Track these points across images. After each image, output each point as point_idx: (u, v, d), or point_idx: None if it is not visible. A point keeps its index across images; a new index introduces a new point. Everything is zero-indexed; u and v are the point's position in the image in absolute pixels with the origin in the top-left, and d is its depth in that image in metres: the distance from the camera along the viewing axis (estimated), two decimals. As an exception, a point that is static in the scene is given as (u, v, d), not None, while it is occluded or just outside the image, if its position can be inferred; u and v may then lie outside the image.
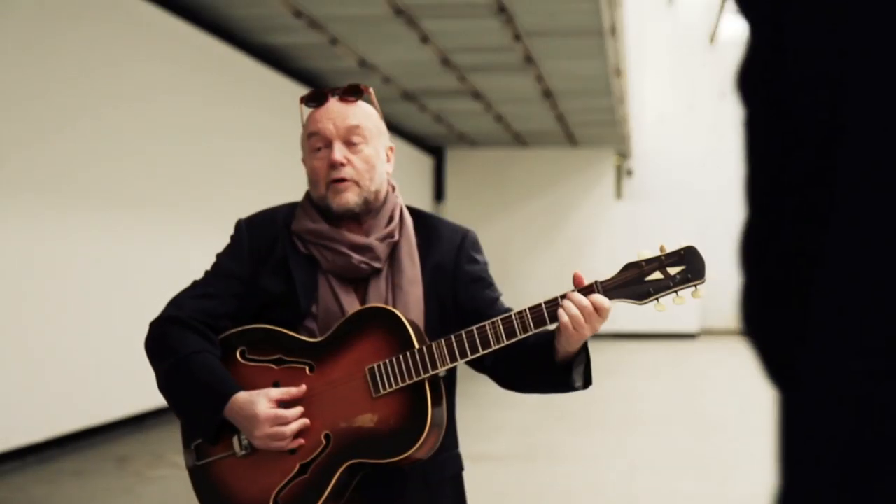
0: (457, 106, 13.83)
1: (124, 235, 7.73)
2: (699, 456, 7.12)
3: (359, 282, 2.04)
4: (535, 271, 18.21)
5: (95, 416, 7.44)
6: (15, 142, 6.51)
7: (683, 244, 1.95)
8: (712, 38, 20.16)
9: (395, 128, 15.60)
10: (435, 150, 18.31)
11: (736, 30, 20.04)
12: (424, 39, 9.85)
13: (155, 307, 8.03)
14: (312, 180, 2.05)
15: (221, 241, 8.04)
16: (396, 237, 2.05)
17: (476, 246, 2.14)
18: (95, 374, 7.35)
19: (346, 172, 2.00)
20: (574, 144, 18.11)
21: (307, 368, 1.97)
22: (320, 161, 2.02)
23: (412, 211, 2.14)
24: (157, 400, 9.22)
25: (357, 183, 2.00)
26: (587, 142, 17.85)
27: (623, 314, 17.81)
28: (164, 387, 2.02)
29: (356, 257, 2.01)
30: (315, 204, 2.06)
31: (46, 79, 6.78)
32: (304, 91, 11.55)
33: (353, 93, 2.07)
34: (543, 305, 1.94)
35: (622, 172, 19.98)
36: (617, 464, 6.82)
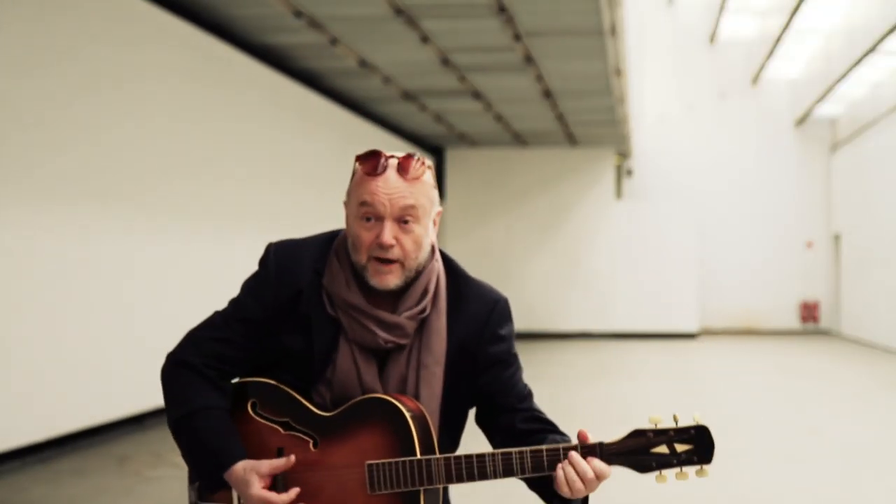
0: (457, 106, 13.83)
1: (124, 235, 7.73)
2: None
3: (381, 352, 2.02)
4: (535, 271, 18.22)
5: (95, 416, 7.44)
6: (24, 144, 6.52)
7: (698, 421, 1.93)
8: (712, 38, 20.15)
9: (395, 128, 15.60)
10: (435, 150, 18.31)
11: (736, 30, 20.04)
12: (424, 39, 9.85)
13: (154, 308, 7.96)
14: (355, 246, 1.97)
15: (220, 240, 8.05)
16: (427, 311, 2.02)
17: (502, 320, 2.08)
18: (95, 374, 7.35)
19: (394, 254, 1.94)
20: (574, 144, 18.11)
21: (311, 443, 1.98)
22: (368, 233, 1.95)
23: (447, 269, 2.09)
24: (157, 400, 9.20)
25: (402, 264, 1.96)
26: (587, 142, 17.85)
27: (623, 312, 17.69)
28: (174, 431, 2.04)
29: (383, 335, 1.98)
30: (351, 262, 2.00)
31: (45, 76, 6.78)
32: (303, 90, 11.57)
33: (413, 169, 1.96)
34: (545, 452, 1.93)
35: (622, 172, 19.97)
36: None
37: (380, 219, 1.94)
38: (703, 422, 1.92)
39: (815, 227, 20.04)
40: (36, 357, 6.73)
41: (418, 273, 2.01)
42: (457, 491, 2.18)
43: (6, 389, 6.44)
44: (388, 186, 1.94)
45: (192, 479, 2.08)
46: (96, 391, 7.40)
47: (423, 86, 12.36)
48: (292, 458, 1.96)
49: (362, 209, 1.95)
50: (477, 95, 12.94)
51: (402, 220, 1.95)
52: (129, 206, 7.81)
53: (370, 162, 1.97)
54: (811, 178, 20.08)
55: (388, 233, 1.93)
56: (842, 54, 15.85)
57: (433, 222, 2.03)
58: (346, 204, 2.02)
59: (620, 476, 2.03)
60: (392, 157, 1.98)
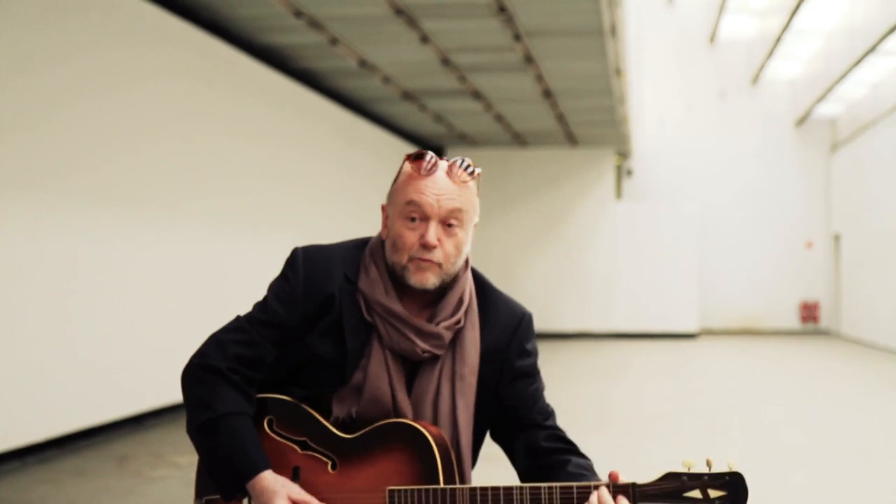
0: (457, 106, 13.83)
1: (125, 236, 7.73)
2: (701, 455, 7.12)
3: (409, 363, 2.00)
4: (535, 271, 18.22)
5: (95, 416, 7.44)
6: (24, 145, 6.52)
7: (732, 467, 1.90)
8: (712, 38, 20.16)
9: (395, 128, 15.60)
10: (435, 150, 18.26)
11: (736, 30, 20.04)
12: (424, 39, 9.85)
13: (155, 309, 7.94)
14: (397, 246, 1.95)
15: (222, 241, 8.06)
16: (462, 323, 2.01)
17: (529, 333, 2.10)
18: (95, 375, 7.35)
19: (436, 255, 1.94)
20: (574, 144, 18.11)
21: (330, 465, 1.94)
22: (412, 232, 1.94)
23: (475, 280, 2.09)
24: (157, 400, 9.19)
25: (440, 266, 1.95)
26: (587, 142, 17.85)
27: (623, 312, 17.63)
28: (196, 435, 1.99)
29: (421, 345, 1.97)
30: (387, 266, 1.99)
31: (45, 76, 6.78)
32: (303, 90, 11.56)
33: (463, 173, 1.96)
34: (575, 490, 1.88)
35: (622, 172, 19.97)
36: (619, 463, 6.80)
37: (425, 219, 1.94)
38: (737, 468, 1.89)
39: (815, 227, 20.04)
40: (36, 357, 6.73)
41: (453, 280, 2.00)
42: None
43: (7, 389, 6.44)
44: (437, 187, 1.94)
45: (198, 494, 2.03)
46: (96, 391, 7.39)
47: (423, 86, 12.36)
48: None
49: (408, 208, 1.95)
50: (477, 95, 12.94)
51: (446, 223, 1.95)
52: (129, 208, 7.81)
53: (421, 162, 1.96)
54: (811, 178, 20.08)
55: (433, 233, 1.93)
56: (842, 54, 15.85)
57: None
58: (388, 205, 2.01)
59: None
60: (443, 159, 1.99)
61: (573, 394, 10.22)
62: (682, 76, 20.29)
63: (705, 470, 1.89)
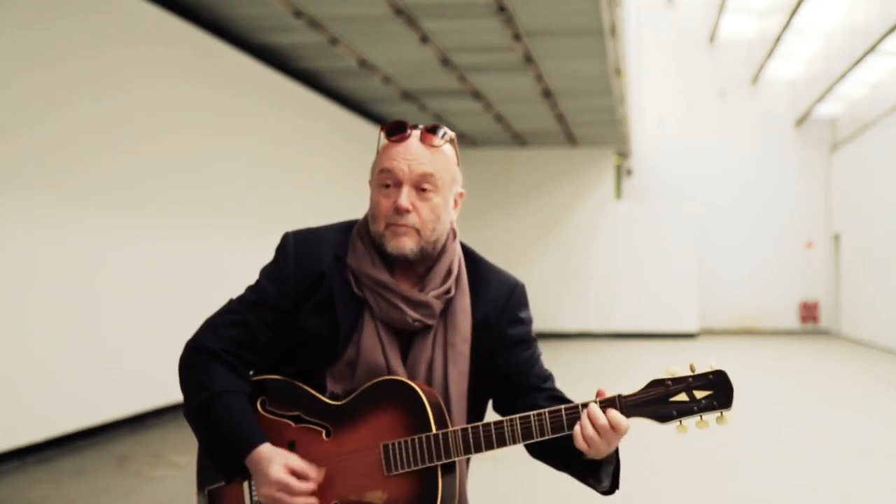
0: (457, 106, 13.83)
1: (125, 236, 7.73)
2: (701, 455, 7.12)
3: (404, 335, 2.01)
4: (535, 271, 18.22)
5: (95, 416, 7.44)
6: (25, 145, 6.52)
7: (714, 367, 1.90)
8: (712, 38, 20.16)
9: (395, 128, 15.59)
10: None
11: (736, 30, 20.04)
12: (424, 39, 9.85)
13: (155, 308, 7.95)
14: (374, 214, 1.98)
15: (222, 241, 8.07)
16: (453, 292, 2.02)
17: (521, 303, 2.10)
18: (96, 374, 7.35)
19: (409, 220, 1.94)
20: (574, 144, 18.11)
21: (324, 432, 1.96)
22: (386, 199, 1.96)
23: (465, 253, 2.10)
24: (157, 400, 9.19)
25: (418, 231, 1.95)
26: (587, 142, 17.85)
27: (623, 312, 17.58)
28: (192, 417, 1.99)
29: (411, 314, 1.97)
30: (371, 239, 2.01)
31: (45, 76, 6.78)
32: (303, 90, 11.56)
33: (435, 138, 1.97)
34: (563, 411, 1.91)
35: (622, 172, 19.98)
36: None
37: (398, 185, 1.95)
38: (719, 367, 1.90)
39: (815, 227, 20.04)
40: (37, 357, 6.73)
41: (437, 250, 2.01)
42: (478, 487, 2.17)
43: (7, 389, 6.45)
44: (409, 153, 1.95)
45: (200, 486, 2.03)
46: (96, 391, 7.40)
47: (423, 86, 12.36)
48: (323, 470, 1.92)
49: (382, 176, 1.97)
50: (477, 95, 12.94)
51: (420, 188, 1.95)
52: (129, 208, 7.81)
53: (393, 130, 1.98)
54: (811, 178, 20.08)
55: (405, 197, 1.93)
56: (842, 54, 15.86)
57: (454, 202, 2.03)
58: (371, 181, 2.03)
59: (630, 473, 2.02)
60: (416, 126, 2.00)
61: (573, 394, 10.20)
62: (682, 76, 20.29)
63: (689, 373, 1.89)
